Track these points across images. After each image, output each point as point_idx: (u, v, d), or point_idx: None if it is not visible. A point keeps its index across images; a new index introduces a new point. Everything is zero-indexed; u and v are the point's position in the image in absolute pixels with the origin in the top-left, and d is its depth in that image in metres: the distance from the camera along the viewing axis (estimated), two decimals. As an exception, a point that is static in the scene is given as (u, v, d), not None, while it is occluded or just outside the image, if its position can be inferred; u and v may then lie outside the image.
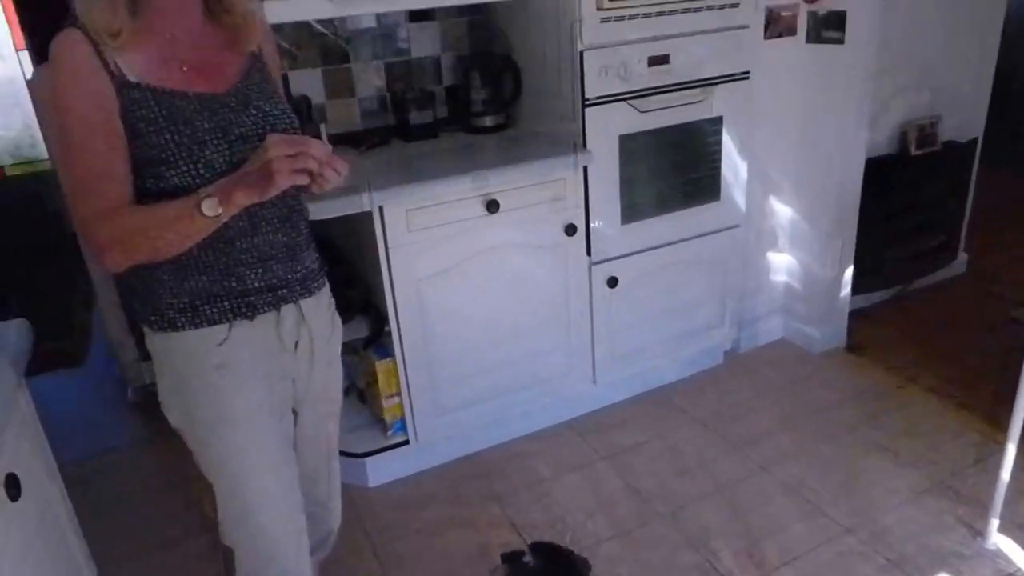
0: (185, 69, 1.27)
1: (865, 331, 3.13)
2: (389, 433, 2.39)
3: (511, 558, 2.09)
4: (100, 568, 1.66)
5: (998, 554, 2.01)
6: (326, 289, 1.52)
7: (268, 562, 1.45)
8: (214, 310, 1.31)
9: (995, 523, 2.03)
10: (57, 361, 3.39)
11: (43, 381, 3.24)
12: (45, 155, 4.89)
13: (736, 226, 2.74)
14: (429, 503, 2.37)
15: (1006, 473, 1.97)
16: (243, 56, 1.37)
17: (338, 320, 1.58)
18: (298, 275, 1.40)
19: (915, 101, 3.13)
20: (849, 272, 2.95)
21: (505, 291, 2.36)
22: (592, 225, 2.44)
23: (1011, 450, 1.94)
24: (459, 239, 2.23)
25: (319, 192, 1.29)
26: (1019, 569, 1.96)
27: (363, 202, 2.04)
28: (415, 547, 2.20)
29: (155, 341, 1.35)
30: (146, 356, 2.82)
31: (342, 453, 1.72)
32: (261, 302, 1.35)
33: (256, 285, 1.34)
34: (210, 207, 1.18)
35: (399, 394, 2.34)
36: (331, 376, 1.58)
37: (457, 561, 2.13)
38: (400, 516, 2.32)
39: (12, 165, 5.03)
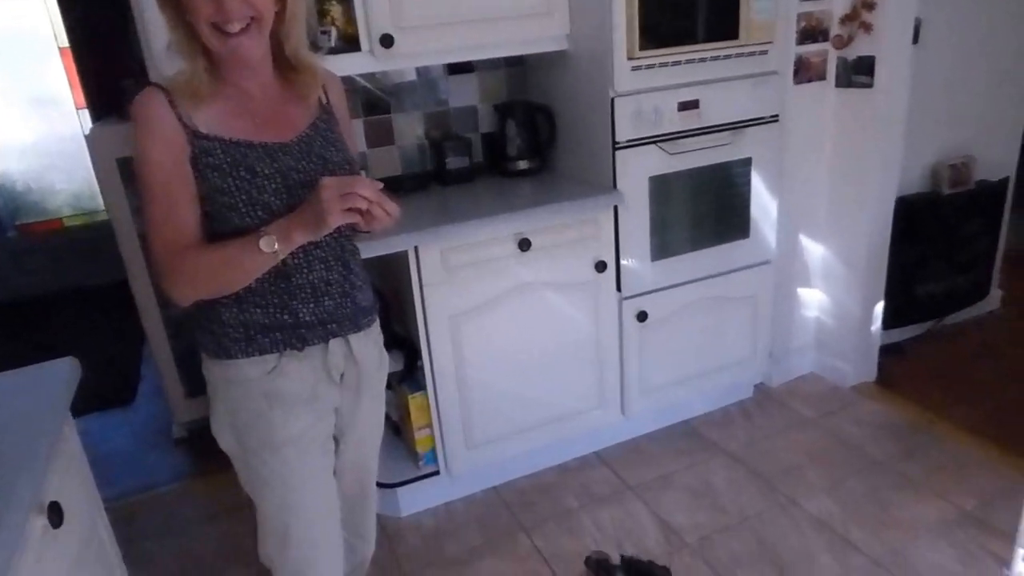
0: (257, 121, 1.38)
1: (897, 366, 3.13)
2: (420, 464, 2.46)
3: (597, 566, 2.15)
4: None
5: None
6: (376, 326, 1.60)
7: None
8: (266, 340, 1.40)
9: (1020, 552, 2.02)
10: (106, 401, 3.48)
11: (92, 420, 3.36)
12: (102, 207, 5.17)
13: (766, 262, 2.78)
14: (459, 533, 2.42)
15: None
16: (312, 107, 1.47)
17: (386, 357, 1.65)
18: (348, 311, 1.48)
19: (948, 141, 3.15)
20: (880, 307, 2.97)
21: (536, 327, 2.42)
22: (622, 262, 2.49)
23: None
24: (492, 277, 2.30)
25: (368, 230, 1.38)
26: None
27: (399, 242, 2.13)
28: (446, 576, 2.25)
29: (212, 368, 1.45)
30: (190, 393, 3.01)
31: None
32: (311, 335, 1.43)
33: (308, 319, 1.42)
34: (268, 244, 1.29)
35: (430, 426, 2.41)
36: (374, 410, 1.65)
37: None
38: (431, 545, 2.37)
39: (71, 216, 5.33)
